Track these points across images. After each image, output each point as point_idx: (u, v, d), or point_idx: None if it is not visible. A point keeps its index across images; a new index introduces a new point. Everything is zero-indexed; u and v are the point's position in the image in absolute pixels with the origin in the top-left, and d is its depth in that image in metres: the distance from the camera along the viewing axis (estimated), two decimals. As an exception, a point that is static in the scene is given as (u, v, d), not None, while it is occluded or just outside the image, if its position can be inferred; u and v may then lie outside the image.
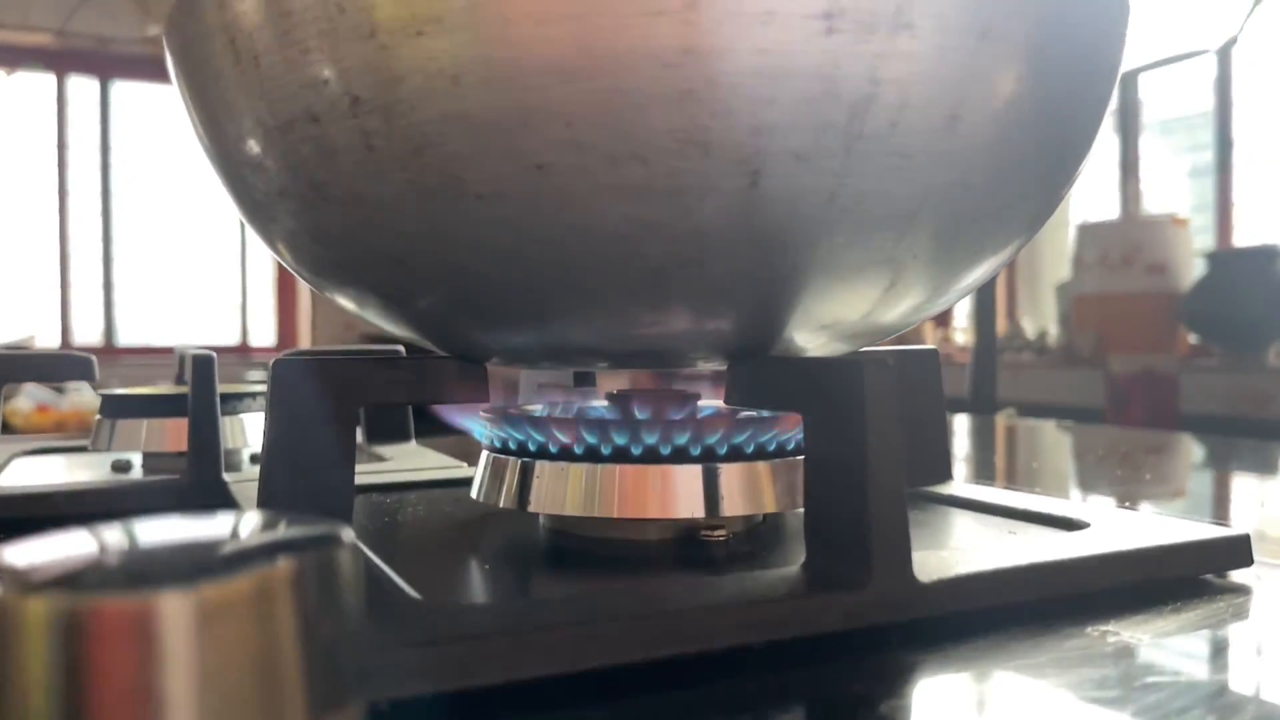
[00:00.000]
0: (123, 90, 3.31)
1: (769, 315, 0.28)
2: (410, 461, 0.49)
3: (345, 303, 0.33)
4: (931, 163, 0.25)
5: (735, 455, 0.31)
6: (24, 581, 0.12)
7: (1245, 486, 0.59)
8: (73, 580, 0.13)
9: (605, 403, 0.36)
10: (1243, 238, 2.87)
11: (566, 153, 0.23)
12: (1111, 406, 2.58)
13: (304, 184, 0.26)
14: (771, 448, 0.32)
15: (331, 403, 0.31)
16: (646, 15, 0.21)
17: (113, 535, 0.15)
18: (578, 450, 0.31)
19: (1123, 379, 2.58)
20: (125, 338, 3.40)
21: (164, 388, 0.52)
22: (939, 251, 0.28)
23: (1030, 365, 2.91)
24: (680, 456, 0.31)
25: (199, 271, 3.46)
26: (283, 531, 0.16)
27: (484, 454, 0.35)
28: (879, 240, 0.26)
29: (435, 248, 0.26)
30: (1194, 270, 2.68)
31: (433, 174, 0.24)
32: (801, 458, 0.32)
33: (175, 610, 0.12)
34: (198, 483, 0.42)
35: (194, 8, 0.26)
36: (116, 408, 0.48)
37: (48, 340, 3.20)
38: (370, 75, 0.23)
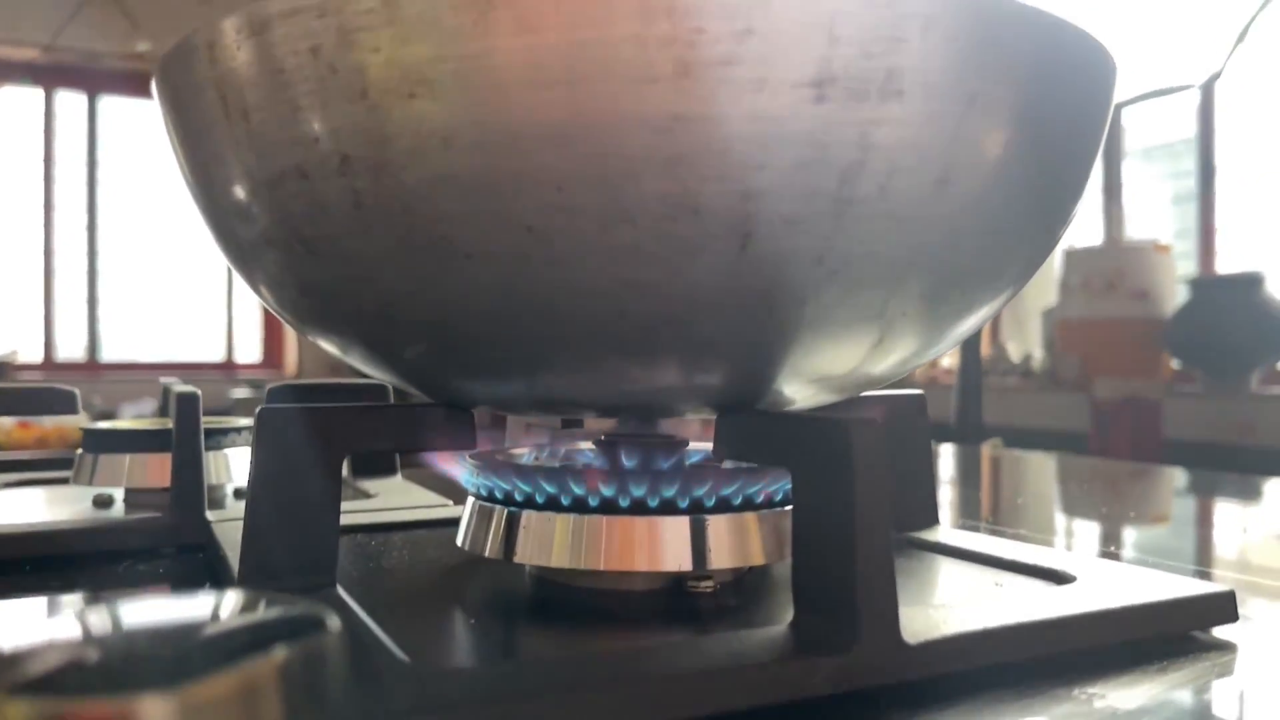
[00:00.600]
0: (110, 105, 3.31)
1: (757, 370, 0.28)
2: (396, 499, 0.48)
3: (329, 348, 0.33)
4: (921, 225, 0.25)
5: (723, 506, 0.31)
6: (5, 682, 0.12)
7: (1227, 526, 0.59)
8: (54, 682, 0.12)
9: (593, 447, 0.36)
10: (1225, 264, 2.90)
11: (557, 215, 0.23)
12: (1096, 432, 2.60)
13: (292, 237, 0.26)
14: (759, 499, 0.32)
15: (317, 451, 0.31)
16: (639, 82, 0.21)
17: (95, 618, 0.15)
18: (565, 501, 0.31)
19: (1107, 404, 2.59)
20: (109, 353, 3.38)
21: (147, 421, 0.52)
22: (929, 308, 0.28)
23: (1015, 389, 2.93)
24: (668, 508, 0.31)
25: (184, 287, 3.45)
26: (265, 614, 0.15)
27: (470, 500, 0.34)
28: (868, 299, 0.26)
29: (423, 304, 0.26)
30: (1177, 296, 2.70)
31: (422, 233, 0.24)
32: (790, 508, 0.32)
33: (157, 713, 0.12)
34: (180, 523, 0.42)
35: (185, 59, 0.26)
36: (99, 442, 0.48)
37: (31, 355, 3.18)
38: (361, 135, 0.23)
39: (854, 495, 0.25)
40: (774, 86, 0.22)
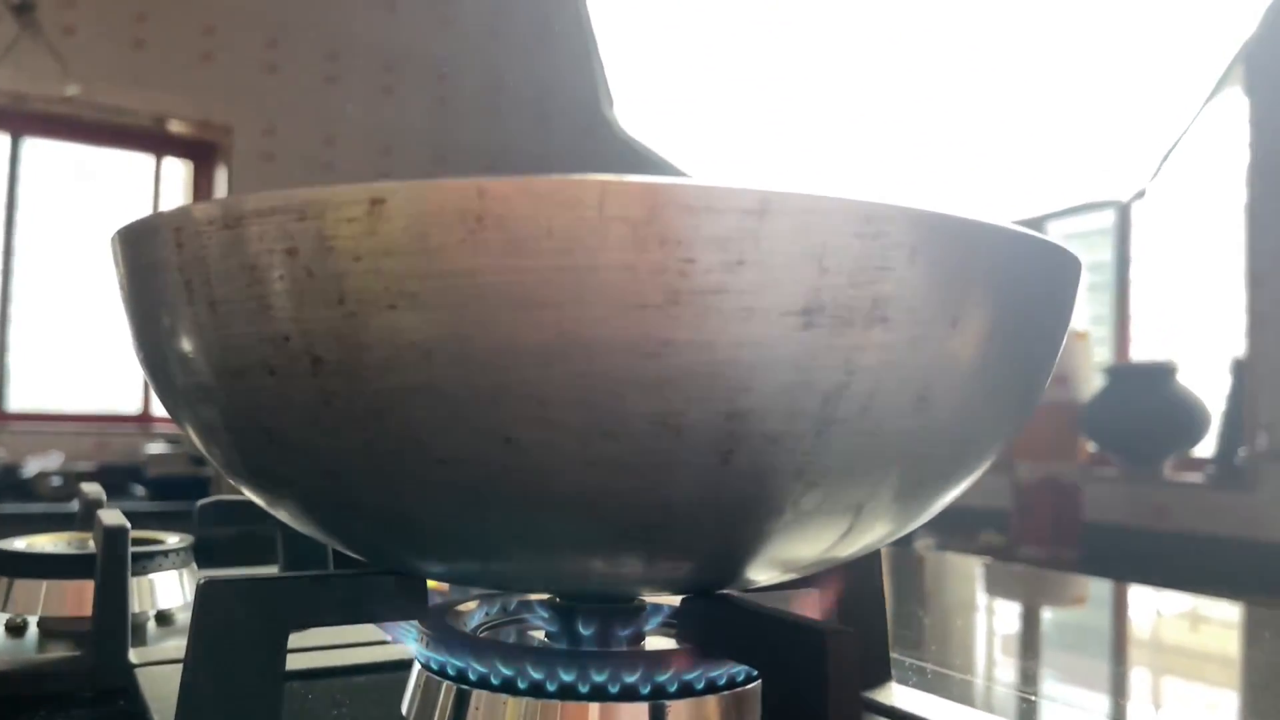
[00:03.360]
0: (35, 148, 3.21)
1: (725, 563, 0.28)
2: (334, 631, 0.46)
3: (255, 499, 0.31)
4: (899, 438, 0.25)
5: (685, 690, 0.30)
6: None
7: (1142, 652, 0.61)
8: None
9: (546, 607, 0.35)
10: (1140, 352, 3.01)
11: (537, 428, 0.22)
12: (1017, 513, 2.65)
13: (251, 425, 0.25)
14: (722, 682, 0.31)
15: (260, 626, 0.29)
16: (628, 308, 0.21)
17: None
18: (521, 685, 0.30)
19: (1028, 485, 2.65)
20: (17, 401, 3.24)
21: (67, 538, 0.49)
22: (900, 503, 0.28)
23: (940, 467, 2.97)
24: (628, 694, 0.30)
25: (102, 335, 3.34)
26: None
27: (416, 667, 0.33)
28: (844, 503, 0.26)
29: (388, 499, 0.25)
30: (1094, 382, 2.79)
31: (394, 437, 0.23)
32: (751, 685, 0.31)
33: None
34: (101, 665, 0.39)
35: (150, 237, 0.25)
36: (15, 565, 0.45)
37: (-69, 402, 3.03)
38: (335, 340, 0.22)
39: (827, 707, 0.24)
40: (763, 314, 0.22)
